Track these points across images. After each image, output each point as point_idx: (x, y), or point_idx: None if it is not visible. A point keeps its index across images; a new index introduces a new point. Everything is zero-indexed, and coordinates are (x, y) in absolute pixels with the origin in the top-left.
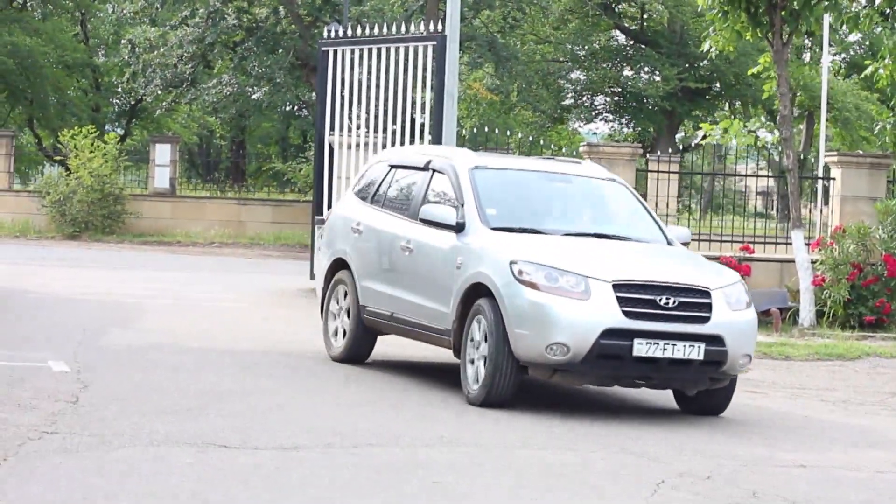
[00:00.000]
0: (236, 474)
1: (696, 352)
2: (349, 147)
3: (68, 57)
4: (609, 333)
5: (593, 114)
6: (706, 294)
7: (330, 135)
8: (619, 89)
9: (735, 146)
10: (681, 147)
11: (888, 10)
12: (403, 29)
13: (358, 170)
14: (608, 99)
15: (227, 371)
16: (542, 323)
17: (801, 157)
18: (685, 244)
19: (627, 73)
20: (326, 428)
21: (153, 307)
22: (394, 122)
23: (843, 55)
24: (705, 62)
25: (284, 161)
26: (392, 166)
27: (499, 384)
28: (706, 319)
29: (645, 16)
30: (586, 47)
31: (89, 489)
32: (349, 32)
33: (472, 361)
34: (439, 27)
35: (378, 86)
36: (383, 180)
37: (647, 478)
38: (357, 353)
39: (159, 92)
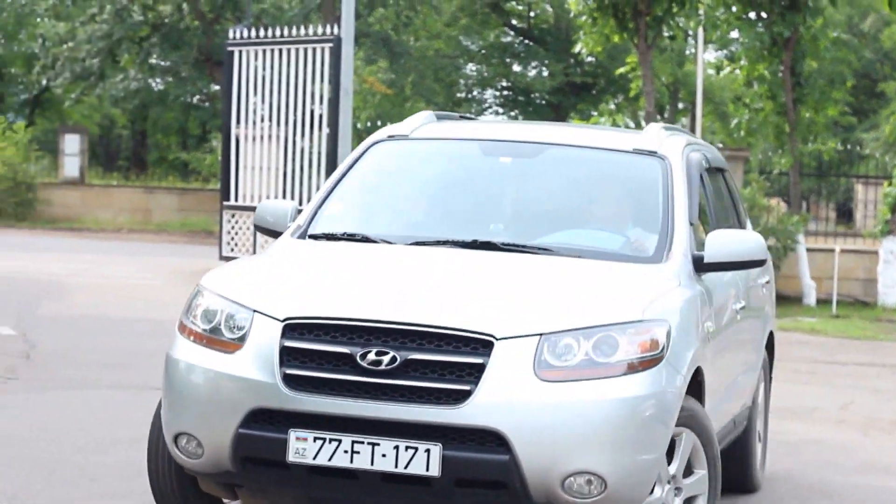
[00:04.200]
0: None
1: (422, 461)
2: (254, 139)
3: None
4: (258, 418)
5: (484, 107)
6: (478, 347)
7: (236, 127)
8: (509, 84)
9: None
10: None
11: (743, 17)
12: (303, 31)
13: (262, 159)
14: (498, 93)
15: (150, 335)
16: (173, 400)
17: None
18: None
19: (516, 68)
20: None
21: (78, 284)
22: (294, 115)
23: (724, 50)
24: (590, 59)
25: (185, 151)
26: None
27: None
28: (462, 396)
29: (532, 14)
30: (479, 41)
31: (55, 418)
32: (253, 34)
33: None
34: (335, 29)
35: (280, 81)
36: None
37: None
38: None
39: (69, 84)
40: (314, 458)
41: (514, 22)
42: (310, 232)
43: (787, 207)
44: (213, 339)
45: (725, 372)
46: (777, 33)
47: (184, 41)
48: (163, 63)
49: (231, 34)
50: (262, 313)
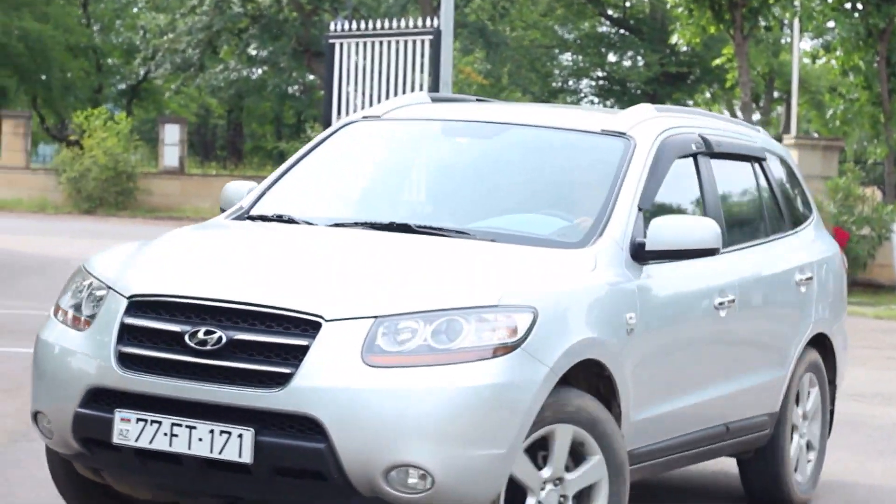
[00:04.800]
0: None
1: (236, 447)
2: None
3: (72, 39)
4: (96, 397)
5: (580, 97)
6: (306, 328)
7: (336, 118)
8: (604, 74)
9: None
10: None
11: (839, 8)
12: (402, 23)
13: None
14: (594, 83)
15: None
16: (33, 378)
17: (780, 138)
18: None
19: (612, 58)
20: None
21: None
22: None
23: (820, 39)
24: (685, 48)
25: (279, 140)
26: None
27: None
28: (283, 379)
29: (627, 4)
30: (575, 31)
31: None
32: (353, 26)
33: None
34: (435, 21)
35: (379, 73)
36: None
37: None
38: None
39: (169, 74)
40: (136, 441)
41: (609, 12)
42: (251, 213)
43: (882, 197)
44: (75, 316)
45: (680, 371)
46: (872, 24)
47: (282, 32)
48: (261, 53)
49: (332, 27)
50: (113, 290)
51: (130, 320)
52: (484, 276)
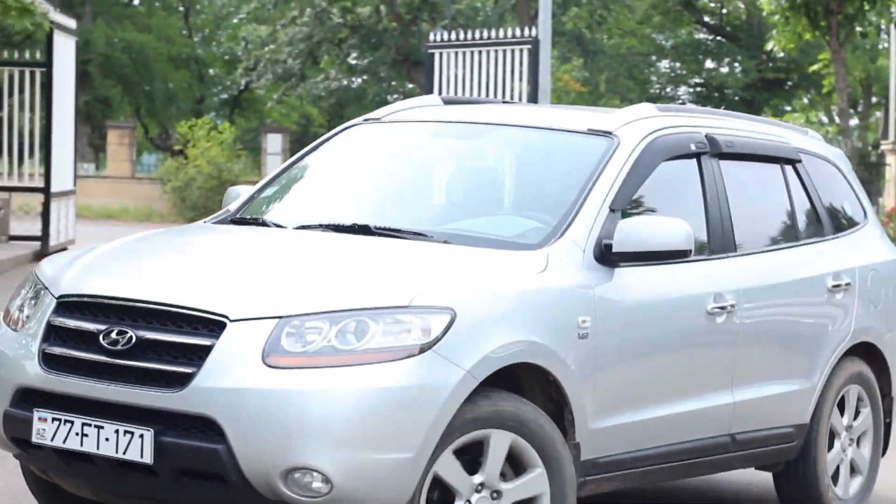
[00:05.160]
0: None
1: (138, 447)
2: None
3: (174, 51)
4: (24, 397)
5: (678, 104)
6: (212, 328)
7: None
8: (702, 80)
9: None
10: None
11: None
12: (500, 33)
13: None
14: (691, 89)
15: None
16: None
17: (877, 143)
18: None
19: (709, 64)
20: None
21: None
22: None
23: None
24: (782, 54)
25: None
26: None
27: None
28: (185, 379)
29: (724, 11)
30: (672, 38)
31: None
32: (452, 37)
33: None
34: (533, 30)
35: (478, 82)
36: None
37: None
38: None
39: (270, 84)
40: (52, 440)
41: (706, 19)
42: (237, 216)
43: None
44: (17, 317)
45: (657, 378)
46: None
47: (382, 42)
48: (361, 63)
49: (431, 37)
50: (48, 290)
51: (57, 320)
52: (401, 277)
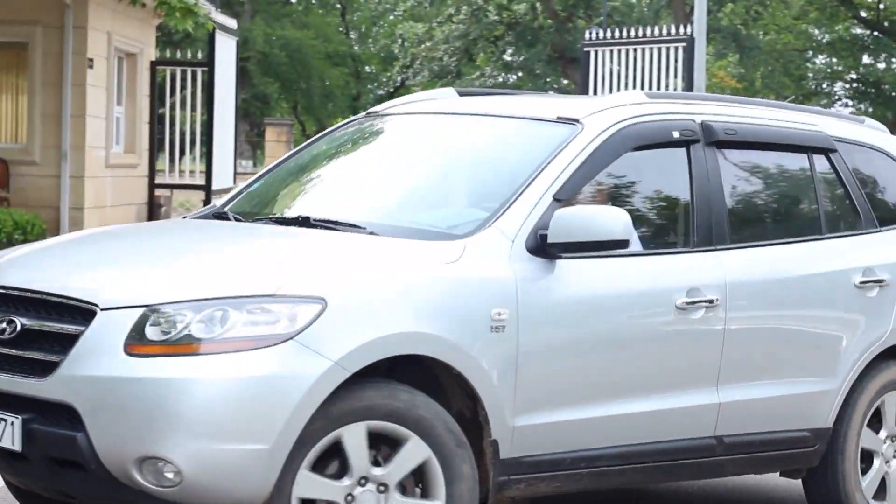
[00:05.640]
0: None
1: (9, 434)
2: None
3: (331, 48)
4: None
5: (833, 100)
6: (84, 316)
7: None
8: (858, 76)
9: None
10: None
11: None
12: (655, 31)
13: None
14: (847, 86)
15: None
16: None
17: None
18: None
19: (866, 60)
20: None
21: None
22: None
23: None
24: None
25: None
26: None
27: None
28: (51, 368)
29: (881, 6)
30: (828, 34)
31: None
32: (607, 35)
33: None
34: (688, 28)
35: (633, 79)
36: None
37: None
38: None
39: (426, 82)
40: None
41: (862, 14)
42: (223, 210)
43: None
44: None
45: (606, 375)
46: None
47: (537, 39)
48: (516, 60)
49: (587, 35)
50: None
51: None
52: (274, 267)
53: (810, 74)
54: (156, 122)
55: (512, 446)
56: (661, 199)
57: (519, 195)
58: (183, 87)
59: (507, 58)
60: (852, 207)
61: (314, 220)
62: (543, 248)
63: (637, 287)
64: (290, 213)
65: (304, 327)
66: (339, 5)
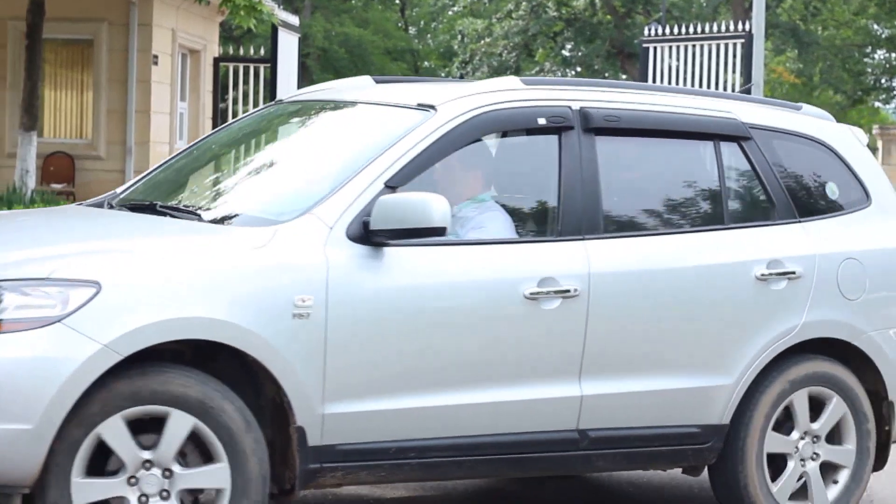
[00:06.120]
0: None
1: None
2: None
3: (391, 44)
4: None
5: (892, 95)
6: None
7: None
8: None
9: None
10: None
11: None
12: (714, 27)
13: None
14: None
15: None
16: None
17: None
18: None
19: None
20: None
21: None
22: None
23: None
24: None
25: None
26: None
27: None
28: None
29: None
30: (887, 29)
31: None
32: (666, 31)
33: None
34: (746, 24)
35: (691, 75)
36: None
37: None
38: None
39: (485, 77)
40: None
41: None
42: (112, 198)
43: None
44: None
45: (431, 363)
46: None
47: (596, 34)
48: (575, 55)
49: (646, 32)
50: None
51: None
52: (50, 250)
53: (869, 70)
54: (218, 117)
55: (323, 434)
56: (524, 187)
57: (347, 182)
58: (245, 83)
59: (565, 53)
60: (767, 198)
61: (160, 206)
62: (367, 234)
63: (476, 276)
64: (155, 200)
65: (75, 310)
66: (398, 1)
